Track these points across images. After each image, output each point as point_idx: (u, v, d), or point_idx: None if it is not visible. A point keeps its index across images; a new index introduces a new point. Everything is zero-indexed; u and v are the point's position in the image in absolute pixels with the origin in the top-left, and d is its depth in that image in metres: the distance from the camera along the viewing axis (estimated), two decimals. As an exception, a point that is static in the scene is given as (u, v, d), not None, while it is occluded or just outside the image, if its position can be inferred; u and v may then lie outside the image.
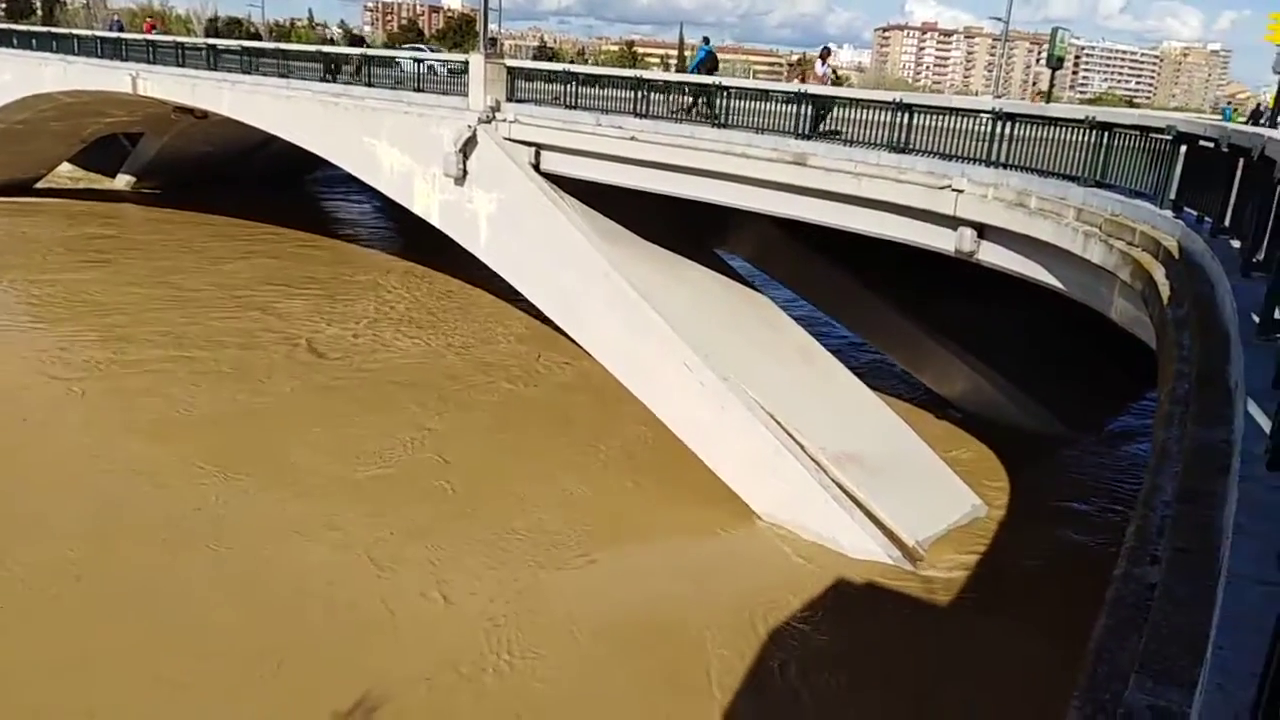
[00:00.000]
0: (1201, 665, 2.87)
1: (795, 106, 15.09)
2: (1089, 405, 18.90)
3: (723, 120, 15.88)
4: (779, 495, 14.35)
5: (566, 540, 13.45)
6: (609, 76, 19.04)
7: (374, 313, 24.40)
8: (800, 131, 14.88)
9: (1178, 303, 7.77)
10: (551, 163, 18.04)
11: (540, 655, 10.88)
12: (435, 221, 19.41)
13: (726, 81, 17.50)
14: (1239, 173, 8.40)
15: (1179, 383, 6.06)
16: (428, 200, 19.42)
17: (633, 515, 14.45)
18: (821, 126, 14.95)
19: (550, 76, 18.98)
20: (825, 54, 22.88)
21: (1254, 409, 4.50)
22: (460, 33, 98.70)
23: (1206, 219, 9.21)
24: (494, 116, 18.35)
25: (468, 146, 18.38)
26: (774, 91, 16.45)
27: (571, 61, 69.03)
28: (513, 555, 12.99)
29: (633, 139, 16.56)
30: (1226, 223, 8.77)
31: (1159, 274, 9.02)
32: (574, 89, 18.05)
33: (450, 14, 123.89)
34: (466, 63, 19.36)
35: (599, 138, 17.08)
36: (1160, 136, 10.52)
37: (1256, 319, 5.70)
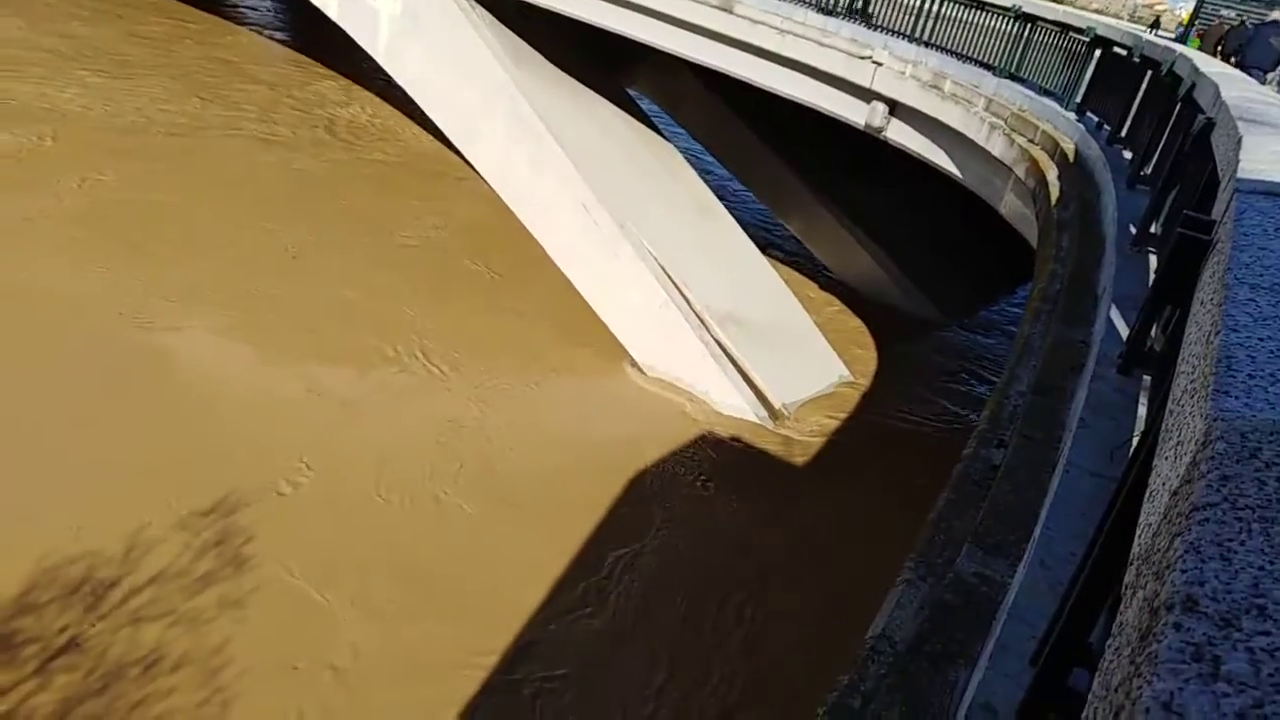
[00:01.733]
0: (1029, 543, 3.10)
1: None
2: (965, 294, 19.69)
3: (652, -50, 15.02)
4: (661, 346, 14.56)
5: (448, 364, 13.38)
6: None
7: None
8: (731, -25, 14.25)
9: (1064, 205, 8.03)
10: (465, -32, 16.78)
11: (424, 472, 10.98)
12: (333, 15, 17.97)
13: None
14: (1144, 85, 8.58)
15: (1052, 282, 6.32)
16: (326, -11, 17.92)
17: (520, 349, 14.42)
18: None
19: None
20: None
21: (1116, 315, 4.74)
22: None
23: (1105, 126, 9.44)
24: (406, -93, 16.81)
25: (374, -63, 16.87)
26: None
27: None
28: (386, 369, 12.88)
29: (554, -45, 15.53)
30: (1123, 133, 9.02)
31: (1052, 175, 9.26)
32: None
33: None
34: None
35: (518, -51, 15.94)
36: (1079, 37, 10.58)
37: (1134, 230, 5.94)
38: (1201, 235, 1.76)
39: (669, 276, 14.77)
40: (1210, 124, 3.93)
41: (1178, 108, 6.21)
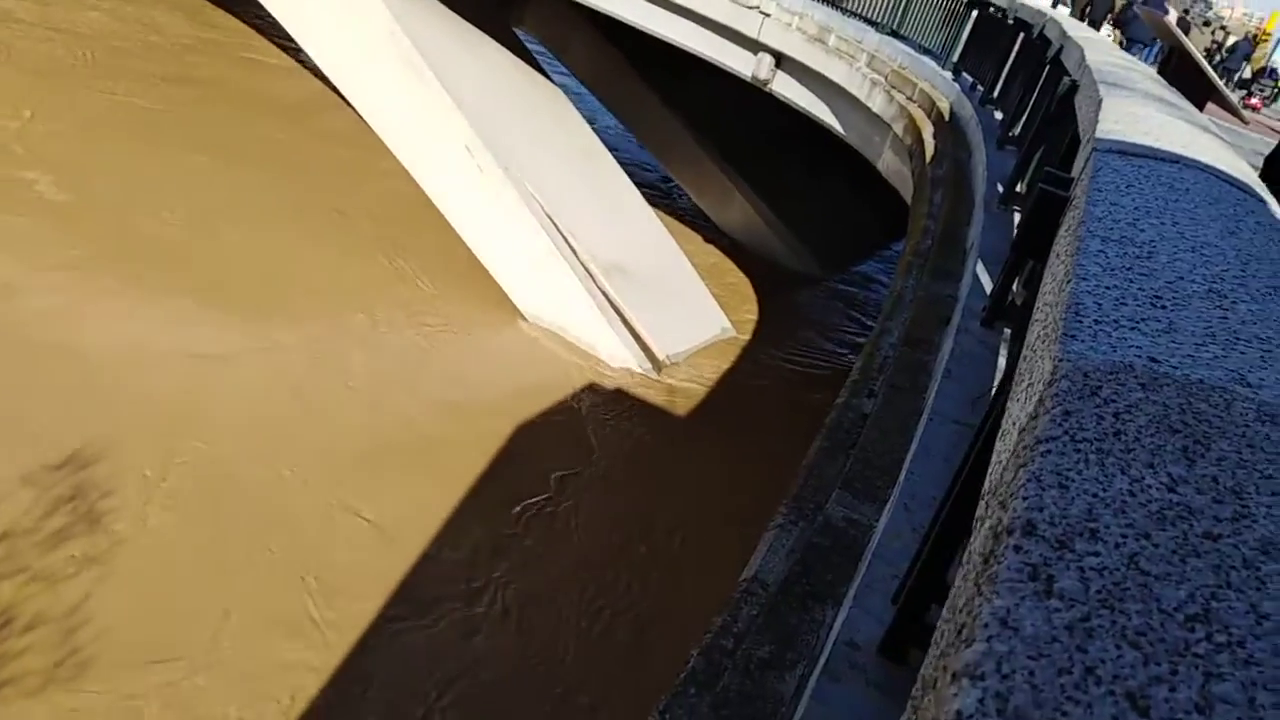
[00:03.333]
0: (894, 487, 3.23)
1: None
2: (843, 248, 20.22)
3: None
4: (545, 296, 14.43)
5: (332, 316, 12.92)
6: None
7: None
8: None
9: (938, 163, 8.31)
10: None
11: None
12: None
13: None
14: (1017, 47, 8.91)
15: (924, 238, 6.55)
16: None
17: (405, 298, 14.03)
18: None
19: None
20: None
21: (981, 270, 4.96)
22: None
23: (979, 87, 9.78)
24: None
25: None
26: None
27: None
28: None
29: (438, -117, 14.87)
30: (995, 94, 9.36)
31: (928, 133, 9.56)
32: None
33: None
34: None
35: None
36: (957, -3, 10.88)
37: (1001, 189, 6.20)
38: (1060, 192, 1.84)
39: (555, 225, 14.60)
40: (1075, 86, 4.10)
41: (1046, 70, 6.47)
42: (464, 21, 16.31)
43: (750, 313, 17.33)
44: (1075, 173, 2.08)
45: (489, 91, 15.68)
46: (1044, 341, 0.91)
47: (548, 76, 17.83)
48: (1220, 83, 5.22)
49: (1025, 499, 0.49)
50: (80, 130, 15.47)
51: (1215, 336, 0.90)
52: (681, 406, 13.85)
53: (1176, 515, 0.50)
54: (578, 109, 17.86)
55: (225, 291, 12.67)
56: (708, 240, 19.61)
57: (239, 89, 19.07)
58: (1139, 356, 0.81)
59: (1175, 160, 1.93)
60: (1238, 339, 0.91)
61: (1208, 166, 1.98)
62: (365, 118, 15.60)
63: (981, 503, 0.75)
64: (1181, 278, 1.09)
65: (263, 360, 11.75)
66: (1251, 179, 2.11)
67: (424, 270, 14.77)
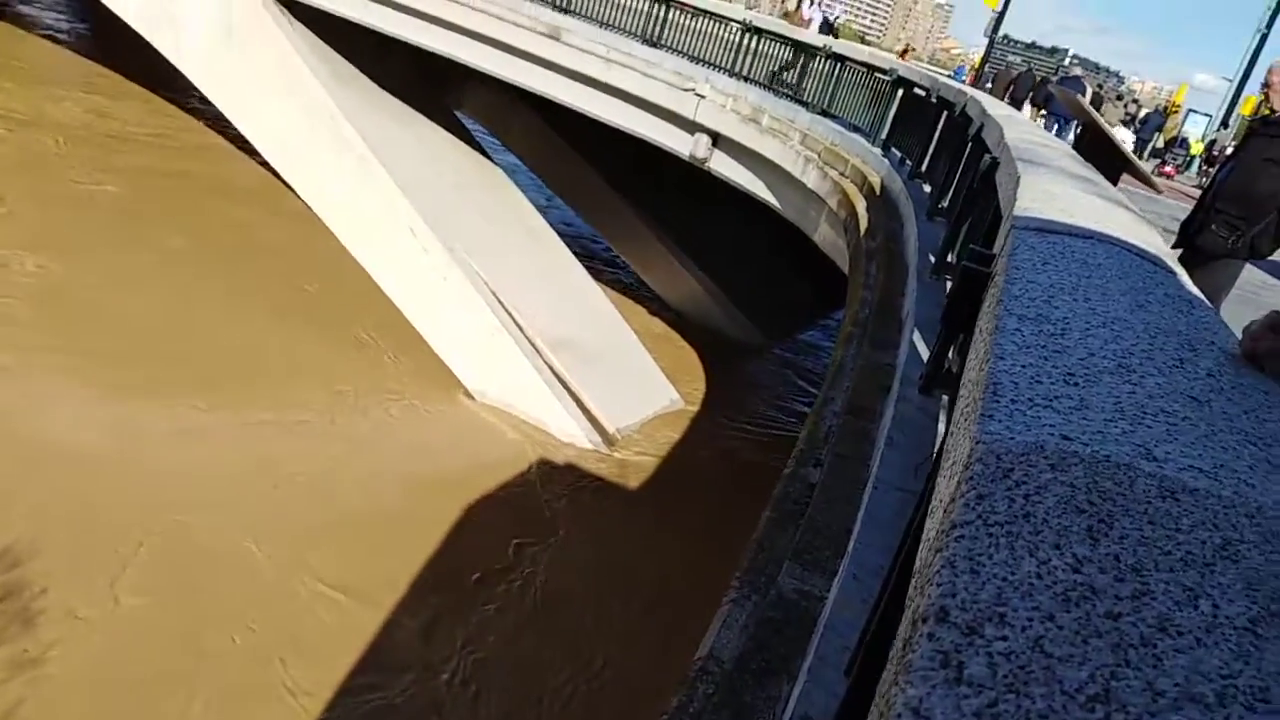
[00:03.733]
0: (843, 557, 3.25)
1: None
2: (786, 318, 20.57)
3: (479, -25, 14.99)
4: (493, 373, 14.38)
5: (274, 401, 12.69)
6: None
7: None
8: (557, 3, 14.43)
9: (872, 235, 8.56)
10: (281, -18, 16.18)
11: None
12: (130, 20, 16.84)
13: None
14: (941, 124, 9.30)
15: (862, 308, 6.71)
16: (124, -8, 16.78)
17: (347, 377, 13.85)
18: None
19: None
20: None
21: (917, 338, 5.09)
22: None
23: (908, 162, 10.15)
24: (217, -86, 16.04)
25: (182, -57, 15.99)
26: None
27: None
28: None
29: (378, -26, 15.22)
30: (923, 168, 9.72)
31: (861, 206, 9.86)
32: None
33: None
34: None
35: (340, -35, 15.52)
36: (883, 77, 11.35)
37: (933, 259, 6.40)
38: (983, 268, 1.93)
39: (500, 302, 14.66)
40: (995, 163, 4.30)
41: (969, 147, 6.76)
42: (405, 105, 16.55)
43: (698, 383, 17.45)
44: (997, 249, 2.17)
45: (432, 173, 15.84)
46: (966, 420, 0.96)
47: (490, 157, 18.10)
48: (1133, 155, 5.51)
49: (939, 585, 0.51)
50: (57, 216, 15.38)
51: (1124, 412, 0.95)
52: (634, 479, 13.79)
53: (1080, 596, 0.53)
54: (520, 189, 18.11)
55: (195, 368, 12.60)
56: (653, 313, 19.82)
57: (200, 175, 19.03)
58: (1052, 435, 0.85)
59: (1089, 236, 2.03)
60: (1144, 413, 0.96)
61: (1120, 241, 2.09)
62: (308, 202, 15.63)
63: (912, 582, 0.77)
64: (1093, 354, 1.14)
65: (232, 436, 11.67)
66: (1161, 251, 2.23)
67: (378, 348, 14.65)
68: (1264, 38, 26.86)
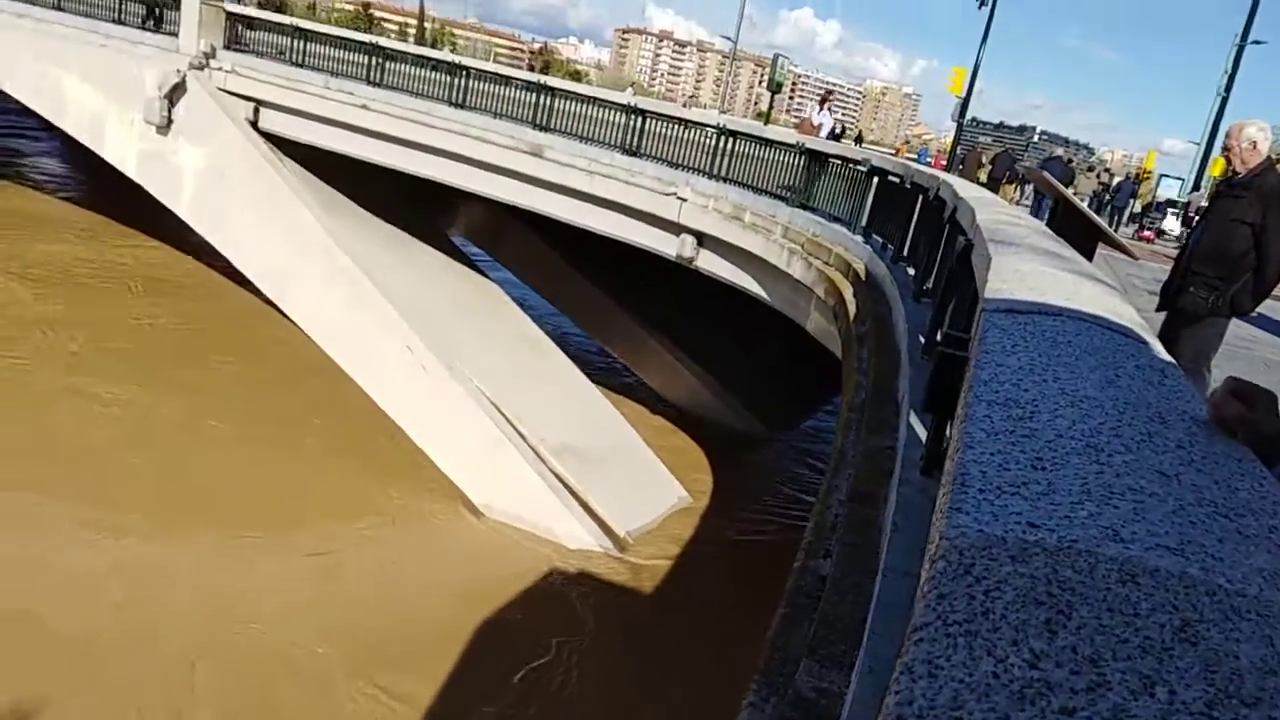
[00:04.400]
0: (859, 649, 3.20)
1: (535, 96, 15.14)
2: (787, 407, 20.58)
3: (462, 101, 15.58)
4: (498, 485, 14.32)
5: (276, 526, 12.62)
6: (343, 39, 18.03)
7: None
8: (539, 122, 14.94)
9: (861, 320, 8.66)
10: (273, 122, 16.80)
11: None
12: (131, 172, 17.42)
13: (469, 62, 17.18)
14: (918, 209, 9.52)
15: (857, 393, 6.74)
16: (123, 148, 17.37)
17: (342, 501, 13.78)
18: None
19: (277, 28, 17.67)
20: (826, 99, 19.00)
21: (914, 420, 5.10)
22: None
23: (889, 246, 10.34)
24: (208, 64, 16.78)
25: (175, 93, 16.66)
26: (515, 78, 16.40)
27: (301, 17, 64.43)
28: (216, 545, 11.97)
29: (364, 107, 15.81)
30: (905, 252, 9.90)
31: (848, 293, 10.00)
32: (303, 46, 16.93)
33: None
34: (178, 0, 17.53)
35: (328, 101, 16.14)
36: (858, 168, 11.67)
37: (923, 340, 6.47)
38: (959, 352, 1.97)
39: (502, 413, 14.70)
40: (970, 244, 4.40)
41: (946, 229, 6.91)
42: (398, 230, 16.96)
43: (705, 478, 17.34)
44: (973, 333, 2.22)
45: (426, 292, 16.12)
46: (939, 513, 0.97)
47: (483, 272, 18.44)
48: (1105, 225, 5.65)
49: (897, 693, 0.53)
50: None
51: (1091, 493, 0.97)
52: (648, 582, 13.56)
53: (1036, 693, 0.54)
54: (515, 300, 18.38)
55: (235, 502, 13.03)
56: (654, 411, 19.83)
57: (218, 309, 19.47)
58: (1018, 523, 0.87)
59: (1058, 313, 2.07)
60: (1112, 493, 0.98)
61: (1089, 315, 2.14)
62: (305, 330, 15.84)
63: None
64: (1061, 435, 1.17)
65: (277, 562, 12.08)
66: (1132, 321, 2.27)
67: (368, 468, 14.60)
68: (1224, 101, 27.72)
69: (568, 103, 15.30)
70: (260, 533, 12.53)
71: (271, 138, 16.62)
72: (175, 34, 17.14)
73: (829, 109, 19.07)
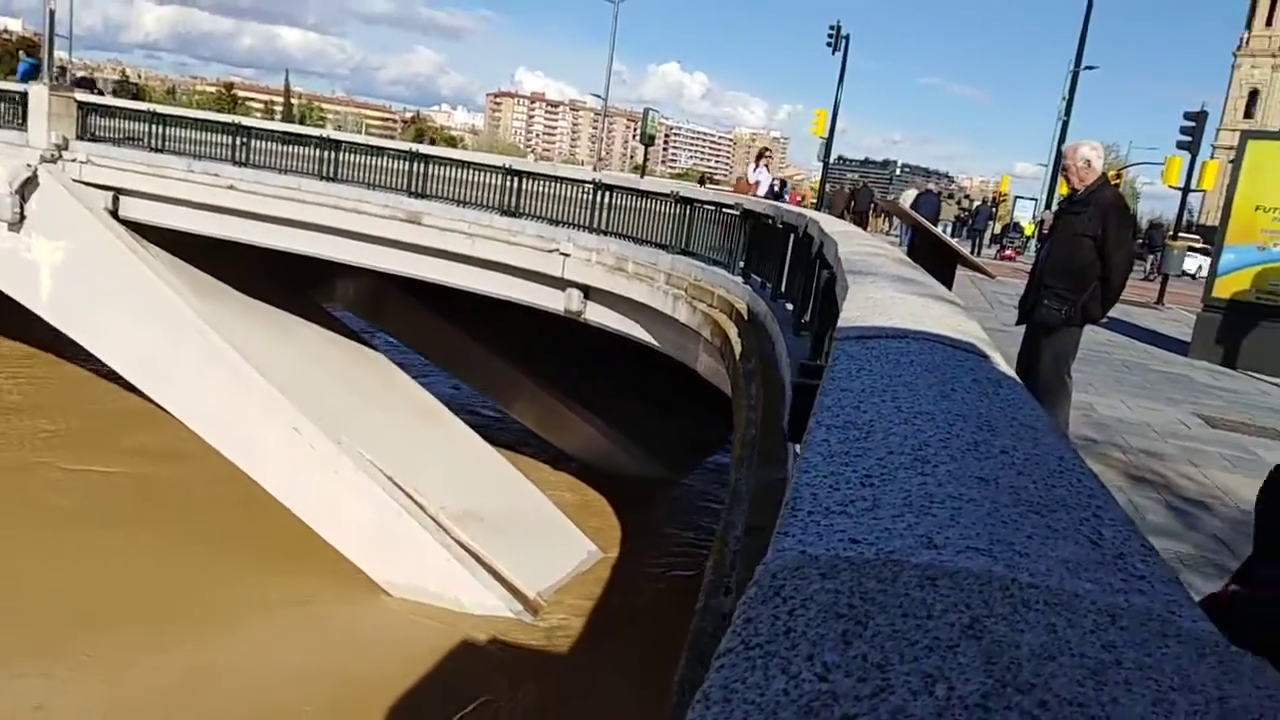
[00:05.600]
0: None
1: (409, 164, 15.08)
2: (689, 449, 20.72)
3: (333, 174, 15.38)
4: (399, 561, 13.89)
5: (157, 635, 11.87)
6: (204, 121, 17.63)
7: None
8: (414, 190, 14.86)
9: (747, 358, 8.83)
10: (134, 209, 16.21)
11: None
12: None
13: (339, 136, 17.01)
14: (790, 247, 9.82)
15: (748, 428, 6.85)
16: (-29, 247, 16.44)
17: (231, 598, 13.10)
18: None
19: (133, 115, 17.16)
20: (762, 156, 19.04)
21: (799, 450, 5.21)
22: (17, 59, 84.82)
23: (768, 284, 10.62)
24: (60, 155, 16.12)
25: (26, 188, 15.91)
26: (387, 148, 16.31)
27: (160, 101, 62.83)
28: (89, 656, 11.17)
29: (231, 188, 15.43)
30: (783, 288, 10.18)
31: (733, 332, 10.20)
32: (162, 130, 16.47)
33: (7, 36, 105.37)
34: (24, 93, 16.84)
35: (191, 185, 15.70)
36: (731, 211, 12.00)
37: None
38: (812, 381, 2.04)
39: (398, 485, 14.32)
40: (833, 277, 4.56)
41: (816, 264, 7.15)
42: (276, 309, 16.50)
43: (613, 530, 17.23)
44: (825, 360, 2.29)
45: (309, 369, 15.69)
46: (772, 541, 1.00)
47: (367, 343, 18.08)
48: (960, 248, 5.95)
49: (689, 722, 0.53)
50: None
51: (912, 504, 1.01)
52: (563, 642, 13.31)
53: (821, 705, 0.56)
54: (403, 368, 18.06)
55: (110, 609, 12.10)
56: (557, 467, 19.68)
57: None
58: (841, 540, 0.90)
59: (904, 335, 2.17)
60: (932, 503, 1.02)
61: (934, 335, 2.24)
62: (183, 420, 15.15)
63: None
64: (892, 451, 1.21)
65: (150, 671, 11.16)
66: (975, 337, 2.39)
67: (278, 559, 13.95)
68: (1066, 124, 29.71)
69: (443, 168, 15.30)
70: (137, 639, 11.73)
71: (134, 225, 16.02)
72: (24, 128, 16.43)
73: (766, 165, 19.20)
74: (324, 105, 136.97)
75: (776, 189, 19.50)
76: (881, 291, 3.07)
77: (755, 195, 16.81)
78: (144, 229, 16.00)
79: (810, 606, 0.68)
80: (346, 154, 15.56)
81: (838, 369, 1.78)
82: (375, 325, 21.38)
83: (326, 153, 15.68)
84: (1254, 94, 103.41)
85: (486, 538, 14.47)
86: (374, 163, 15.56)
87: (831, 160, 30.62)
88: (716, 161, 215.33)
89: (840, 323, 2.38)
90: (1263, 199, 9.39)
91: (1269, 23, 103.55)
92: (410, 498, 14.25)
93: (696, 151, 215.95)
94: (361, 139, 17.83)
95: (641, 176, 25.52)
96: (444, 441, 16.39)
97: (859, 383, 1.64)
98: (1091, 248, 5.64)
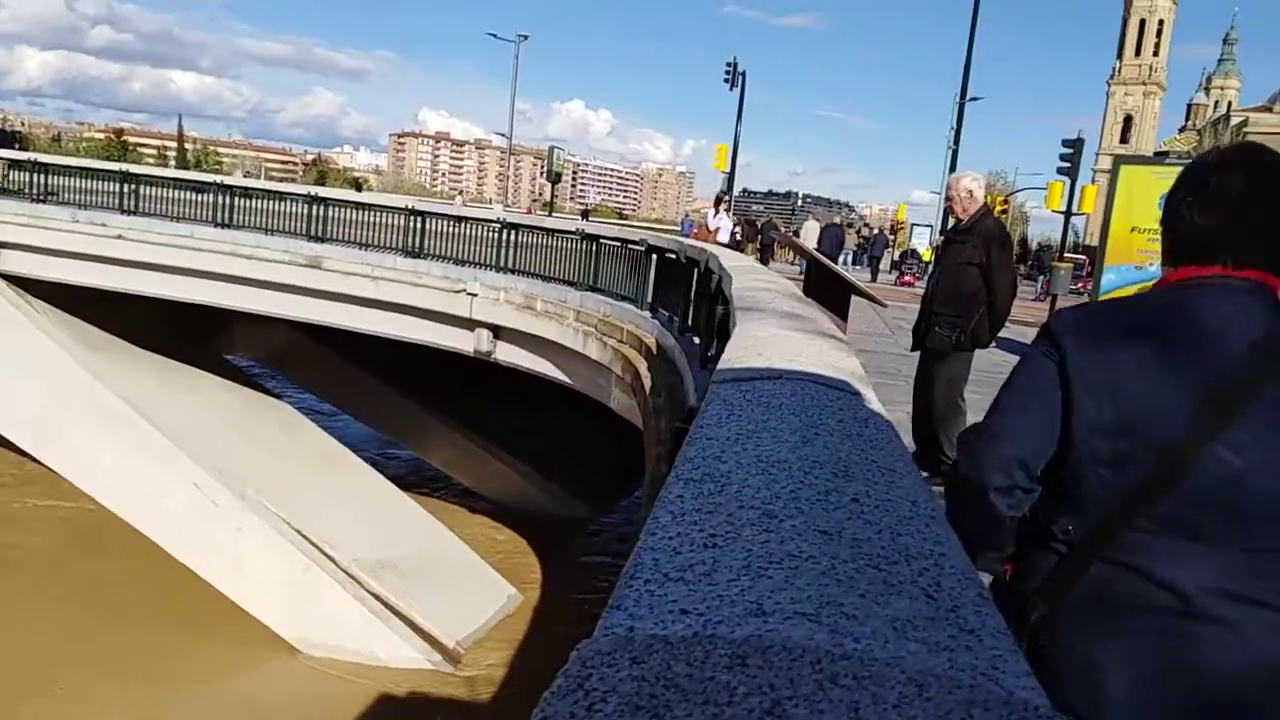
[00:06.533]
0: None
1: (308, 207, 14.78)
2: (607, 486, 20.60)
3: (229, 220, 14.97)
4: (312, 617, 13.40)
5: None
6: (89, 169, 16.99)
7: None
8: (315, 234, 14.56)
9: (657, 392, 8.85)
10: (16, 262, 15.45)
11: None
12: None
13: (233, 181, 16.58)
14: (695, 281, 9.93)
15: (658, 464, 6.84)
16: None
17: (134, 672, 12.42)
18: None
19: (13, 165, 16.43)
20: (720, 201, 18.69)
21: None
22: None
23: (675, 318, 10.70)
24: (-68, 208, 15.30)
25: (-106, 243, 15.04)
26: (285, 192, 15.96)
27: (45, 149, 60.46)
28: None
29: (120, 237, 14.86)
30: (690, 322, 10.27)
31: (643, 367, 10.23)
32: (44, 180, 15.80)
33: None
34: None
35: (77, 235, 15.06)
36: (636, 248, 12.08)
37: (710, 406, 6.69)
38: (685, 425, 2.03)
39: (307, 538, 13.85)
40: (728, 312, 4.61)
41: (717, 298, 7.23)
42: (170, 360, 15.87)
43: (534, 572, 16.97)
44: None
45: (209, 422, 15.12)
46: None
47: (269, 392, 17.54)
48: (852, 278, 6.10)
49: None
50: None
51: (750, 566, 0.99)
52: (484, 692, 12.99)
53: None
54: (308, 415, 17.56)
55: None
56: (474, 510, 19.34)
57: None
58: (672, 611, 0.87)
59: (779, 376, 2.17)
60: (770, 562, 1.00)
61: (808, 374, 2.26)
62: (75, 483, 14.40)
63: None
64: (743, 506, 1.19)
65: None
66: (851, 374, 2.42)
67: (181, 624, 13.27)
68: (955, 153, 30.90)
69: (344, 211, 15.05)
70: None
71: (16, 279, 15.26)
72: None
73: (726, 211, 18.80)
74: (220, 149, 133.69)
75: (738, 236, 19.01)
76: (766, 329, 3.10)
77: (716, 241, 16.77)
78: (27, 282, 15.26)
79: (611, 699, 0.65)
80: (242, 199, 15.17)
81: (708, 415, 1.76)
82: (281, 373, 20.77)
83: (221, 198, 15.27)
84: (1128, 119, 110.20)
85: (402, 587, 14.08)
86: (272, 207, 15.21)
87: (737, 193, 31.22)
88: (625, 197, 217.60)
89: (720, 364, 2.39)
90: (1137, 221, 9.88)
91: (1138, 52, 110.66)
92: (320, 550, 13.79)
93: (605, 187, 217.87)
94: (257, 183, 17.40)
95: (549, 214, 25.56)
96: (354, 489, 15.94)
97: (725, 429, 1.63)
98: (977, 274, 5.84)
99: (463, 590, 15.09)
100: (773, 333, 3.00)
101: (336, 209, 14.90)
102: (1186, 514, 1.40)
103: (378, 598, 13.71)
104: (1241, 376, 1.39)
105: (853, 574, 0.98)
